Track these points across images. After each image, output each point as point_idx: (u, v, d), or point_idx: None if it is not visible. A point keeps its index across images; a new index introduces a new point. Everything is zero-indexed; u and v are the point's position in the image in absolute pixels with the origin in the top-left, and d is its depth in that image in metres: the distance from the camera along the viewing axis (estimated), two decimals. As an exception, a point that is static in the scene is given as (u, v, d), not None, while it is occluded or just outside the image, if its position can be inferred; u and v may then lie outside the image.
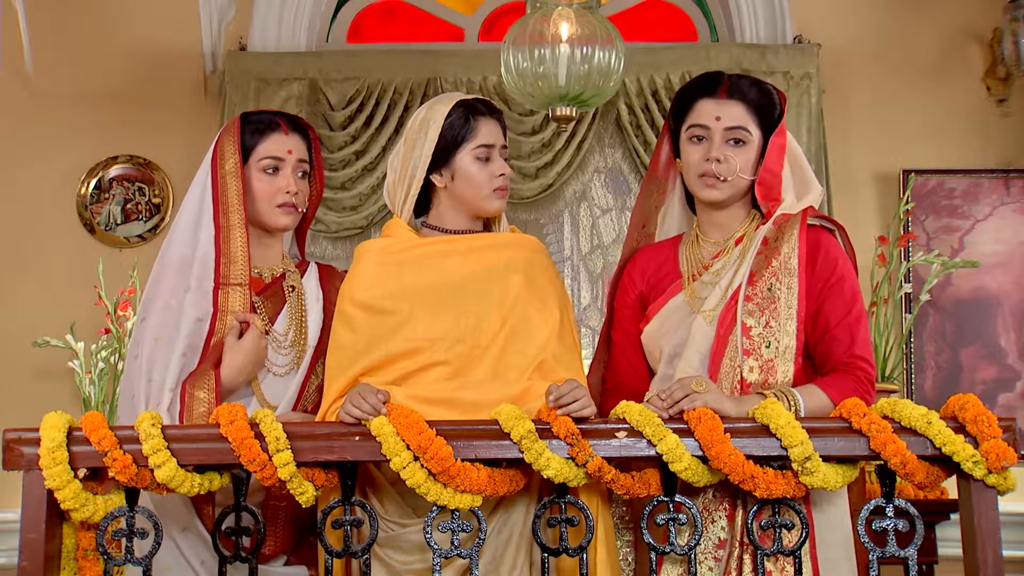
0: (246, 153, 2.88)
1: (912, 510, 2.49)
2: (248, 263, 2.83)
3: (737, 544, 2.63)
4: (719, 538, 2.65)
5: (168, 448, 2.44)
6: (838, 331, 2.69)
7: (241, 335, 2.79)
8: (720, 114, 2.78)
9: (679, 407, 2.49)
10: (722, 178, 2.76)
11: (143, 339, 2.77)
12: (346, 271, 2.92)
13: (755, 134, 2.78)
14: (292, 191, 2.88)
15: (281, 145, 2.89)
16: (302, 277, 2.97)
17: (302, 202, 2.93)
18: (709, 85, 2.82)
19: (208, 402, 2.67)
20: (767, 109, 2.80)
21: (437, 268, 2.78)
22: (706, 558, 2.64)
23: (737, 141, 2.77)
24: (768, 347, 2.69)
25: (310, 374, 2.88)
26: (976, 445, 2.41)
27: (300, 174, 2.92)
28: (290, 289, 2.92)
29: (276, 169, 2.88)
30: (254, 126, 2.90)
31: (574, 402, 2.48)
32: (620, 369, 2.91)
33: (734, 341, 2.70)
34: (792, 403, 2.58)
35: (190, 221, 2.84)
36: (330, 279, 3.02)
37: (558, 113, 4.15)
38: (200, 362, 2.74)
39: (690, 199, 2.91)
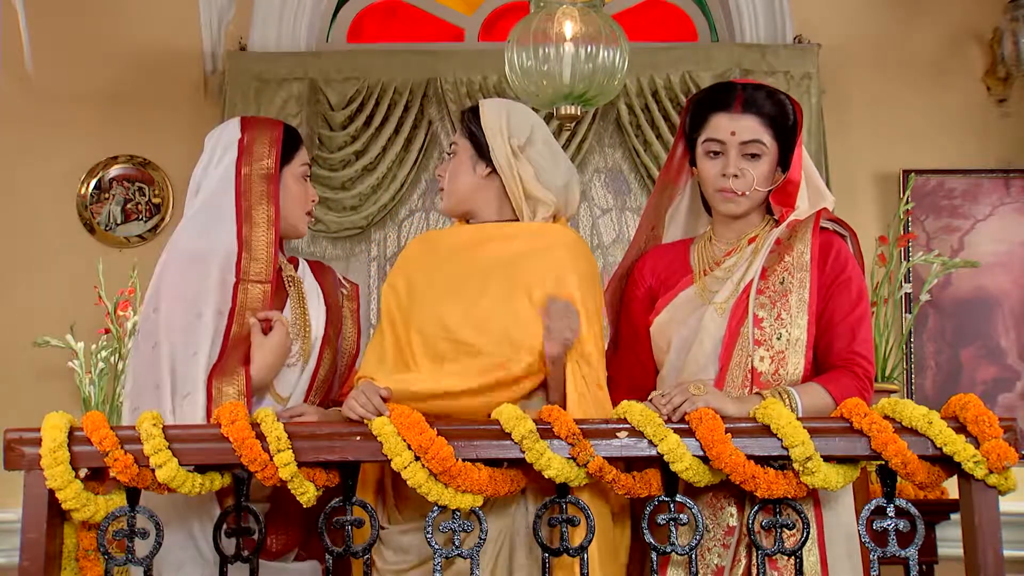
0: (283, 158, 2.92)
1: (913, 510, 2.49)
2: (274, 262, 2.83)
3: (747, 532, 2.63)
4: (728, 525, 2.66)
5: (169, 448, 2.43)
6: (841, 328, 2.72)
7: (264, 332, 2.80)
8: (735, 128, 2.78)
9: (680, 411, 2.49)
10: (740, 192, 2.78)
11: (158, 328, 2.73)
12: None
13: (770, 146, 2.79)
14: (315, 200, 3.00)
15: (306, 156, 3.00)
16: (296, 271, 3.00)
17: None
18: (724, 99, 2.81)
19: (238, 399, 2.67)
20: (781, 120, 2.80)
21: (455, 256, 2.83)
22: (715, 544, 2.66)
23: (753, 155, 2.78)
24: (779, 339, 2.71)
25: (319, 366, 2.90)
26: (977, 445, 2.41)
27: None
28: (290, 281, 2.93)
29: (308, 177, 2.98)
30: (290, 134, 2.96)
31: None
32: (627, 364, 2.92)
33: (746, 332, 2.72)
34: (789, 402, 2.58)
35: (209, 214, 2.83)
36: (323, 273, 3.06)
37: (562, 112, 4.15)
38: (220, 357, 2.73)
39: (706, 202, 2.93)
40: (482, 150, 2.87)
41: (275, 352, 2.77)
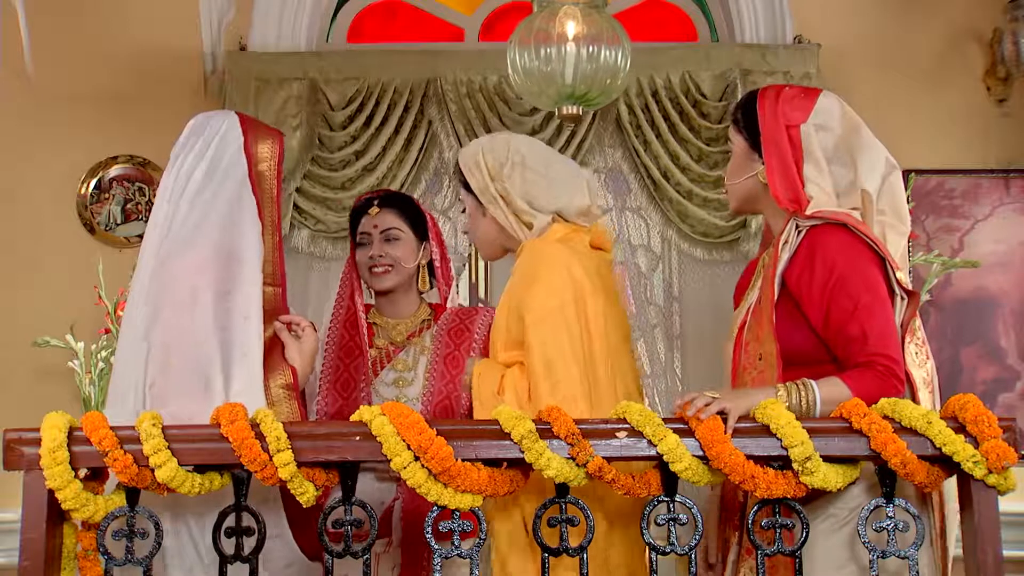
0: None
1: (912, 510, 2.49)
2: (281, 264, 2.82)
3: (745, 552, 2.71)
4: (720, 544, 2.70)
5: (169, 448, 2.43)
6: (849, 330, 2.66)
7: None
8: None
9: (708, 411, 2.51)
10: (724, 191, 2.98)
11: (203, 326, 2.66)
12: None
13: (736, 140, 2.91)
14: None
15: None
16: None
17: None
18: None
19: (288, 397, 2.68)
20: (740, 113, 2.91)
21: None
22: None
23: (727, 154, 2.98)
24: (760, 359, 2.71)
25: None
26: (976, 445, 2.42)
27: None
28: None
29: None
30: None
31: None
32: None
33: (739, 358, 2.78)
34: (805, 393, 2.58)
35: (229, 212, 2.77)
36: None
37: (564, 112, 4.15)
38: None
39: None
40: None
41: (311, 360, 2.80)
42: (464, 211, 3.11)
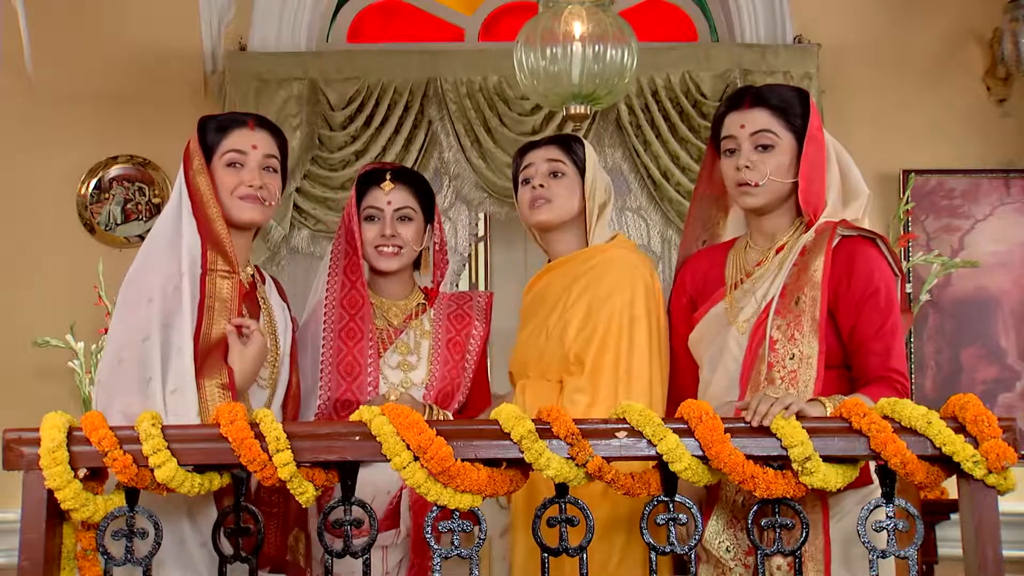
0: (210, 152, 2.91)
1: (912, 510, 2.49)
2: (234, 255, 2.83)
3: None
4: (748, 545, 2.70)
5: (168, 448, 2.43)
6: (874, 345, 2.72)
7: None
8: (745, 122, 2.84)
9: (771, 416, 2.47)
10: (753, 183, 2.81)
11: (150, 322, 2.72)
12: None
13: (784, 137, 2.82)
14: (256, 184, 2.90)
15: (245, 140, 2.93)
16: (263, 285, 3.01)
17: (270, 196, 2.94)
18: (737, 99, 2.89)
19: (224, 397, 2.68)
20: (792, 109, 2.83)
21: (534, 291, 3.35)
22: (737, 564, 2.74)
23: (765, 147, 2.81)
24: (792, 359, 2.71)
25: (289, 387, 2.92)
26: (976, 445, 2.41)
27: (268, 169, 2.94)
28: (262, 300, 2.93)
29: (239, 164, 2.91)
30: (216, 124, 2.95)
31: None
32: (679, 374, 2.98)
33: (762, 354, 2.74)
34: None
35: (172, 215, 2.85)
36: (283, 290, 3.11)
37: (572, 112, 4.14)
38: (196, 355, 2.72)
39: None
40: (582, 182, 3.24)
41: (255, 361, 2.79)
42: (558, 175, 3.23)
